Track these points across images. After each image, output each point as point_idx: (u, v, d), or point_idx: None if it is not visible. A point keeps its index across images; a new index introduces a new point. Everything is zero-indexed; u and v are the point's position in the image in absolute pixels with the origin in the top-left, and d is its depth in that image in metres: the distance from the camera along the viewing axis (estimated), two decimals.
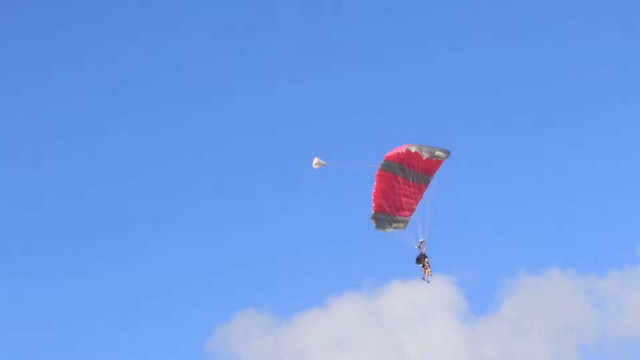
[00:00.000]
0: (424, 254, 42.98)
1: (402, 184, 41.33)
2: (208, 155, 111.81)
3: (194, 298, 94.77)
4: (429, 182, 41.39)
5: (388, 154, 40.94)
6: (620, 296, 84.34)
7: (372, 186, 41.60)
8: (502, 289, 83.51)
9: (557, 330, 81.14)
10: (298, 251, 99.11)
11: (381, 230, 42.19)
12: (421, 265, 42.90)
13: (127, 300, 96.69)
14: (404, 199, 41.82)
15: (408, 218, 42.21)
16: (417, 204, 41.82)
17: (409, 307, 79.75)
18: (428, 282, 43.15)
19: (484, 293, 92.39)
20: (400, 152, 40.43)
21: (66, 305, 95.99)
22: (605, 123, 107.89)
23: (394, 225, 42.19)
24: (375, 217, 41.79)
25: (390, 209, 41.94)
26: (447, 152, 40.63)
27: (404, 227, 42.35)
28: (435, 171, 41.09)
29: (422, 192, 41.67)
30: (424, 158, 40.05)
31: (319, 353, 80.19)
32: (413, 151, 39.95)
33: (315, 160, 41.42)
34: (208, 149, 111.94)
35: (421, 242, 42.88)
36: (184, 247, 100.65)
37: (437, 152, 40.30)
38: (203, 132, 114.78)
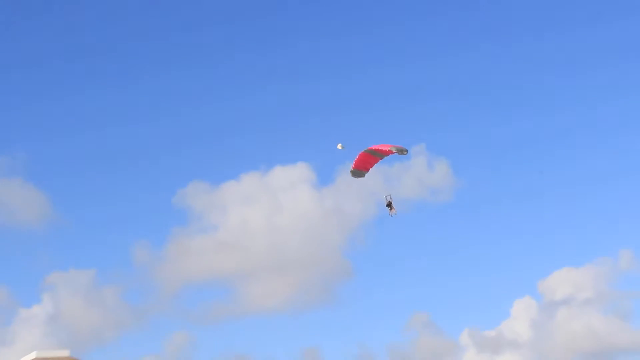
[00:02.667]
0: (391, 202, 75.70)
1: (371, 158, 78.51)
2: None
3: (163, 171, 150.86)
4: (382, 157, 78.43)
5: (373, 147, 74.78)
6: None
7: (356, 156, 78.10)
8: (339, 164, 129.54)
9: (366, 194, 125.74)
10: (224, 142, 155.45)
11: (354, 177, 79.99)
12: (389, 208, 76.35)
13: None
14: (367, 165, 79.73)
15: (367, 172, 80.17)
16: (372, 166, 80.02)
17: (284, 179, 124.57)
18: (392, 216, 76.50)
19: (327, 171, 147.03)
20: (383, 149, 72.30)
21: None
22: None
23: (359, 175, 80.00)
24: (353, 171, 78.60)
25: (360, 168, 79.77)
26: (407, 151, 72.32)
27: (364, 176, 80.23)
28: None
29: (377, 162, 79.56)
30: (393, 152, 74.60)
31: (235, 206, 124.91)
32: (394, 151, 72.51)
33: (340, 145, 76.31)
34: None
35: (388, 195, 76.26)
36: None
37: (404, 152, 71.06)
38: None
